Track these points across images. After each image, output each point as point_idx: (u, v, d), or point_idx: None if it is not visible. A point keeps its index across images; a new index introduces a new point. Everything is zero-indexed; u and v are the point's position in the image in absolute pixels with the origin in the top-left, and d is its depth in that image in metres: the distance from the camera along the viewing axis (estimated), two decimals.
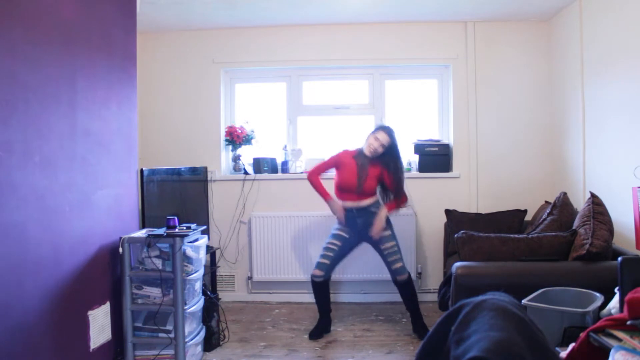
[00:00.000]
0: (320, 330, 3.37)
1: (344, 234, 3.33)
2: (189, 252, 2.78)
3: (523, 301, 2.16)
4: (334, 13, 3.85)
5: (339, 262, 3.40)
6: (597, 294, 2.19)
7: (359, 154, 3.29)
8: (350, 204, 3.29)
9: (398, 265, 3.25)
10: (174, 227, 2.79)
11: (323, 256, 3.32)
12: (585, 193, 3.36)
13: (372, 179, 3.25)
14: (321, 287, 3.35)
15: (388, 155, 3.24)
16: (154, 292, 2.73)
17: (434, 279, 4.10)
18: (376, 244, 3.30)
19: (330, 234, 3.37)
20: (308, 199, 4.10)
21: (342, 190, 3.30)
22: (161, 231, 2.75)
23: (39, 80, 2.21)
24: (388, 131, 3.24)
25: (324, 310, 3.40)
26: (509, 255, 2.61)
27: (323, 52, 4.15)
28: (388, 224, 3.30)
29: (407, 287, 3.28)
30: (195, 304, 2.85)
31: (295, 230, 4.05)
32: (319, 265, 3.32)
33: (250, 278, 4.15)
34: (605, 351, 1.57)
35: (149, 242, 2.68)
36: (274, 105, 4.36)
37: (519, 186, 4.07)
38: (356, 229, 3.31)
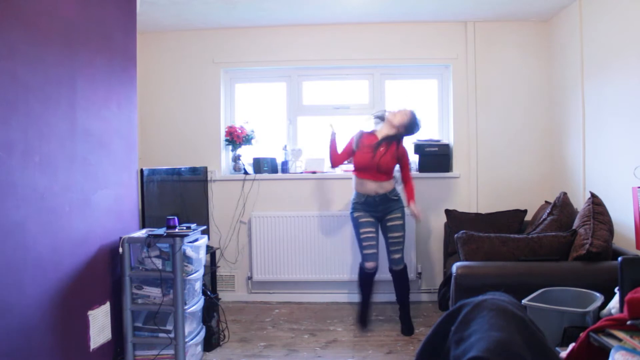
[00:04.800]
0: (368, 316, 3.44)
1: (372, 219, 3.35)
2: (189, 252, 2.78)
3: (523, 301, 2.16)
4: (334, 13, 3.85)
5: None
6: (597, 294, 2.19)
7: (371, 133, 3.44)
8: (371, 187, 3.32)
9: (397, 256, 3.36)
10: (174, 227, 2.79)
11: (369, 247, 3.31)
12: (585, 193, 3.36)
13: (387, 156, 3.33)
14: (372, 277, 3.39)
15: (403, 135, 3.41)
16: (154, 292, 2.73)
17: (434, 279, 4.09)
18: (385, 231, 3.37)
19: (356, 223, 3.35)
20: (308, 199, 4.11)
21: (360, 169, 3.36)
22: (161, 231, 2.75)
23: (39, 80, 2.21)
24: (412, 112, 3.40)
25: (370, 299, 3.46)
26: (509, 255, 2.61)
27: (323, 52, 4.15)
28: (402, 213, 3.39)
29: (400, 277, 3.40)
30: (195, 304, 2.85)
31: (295, 230, 4.05)
32: (370, 257, 3.31)
33: (250, 278, 4.15)
34: (605, 351, 1.57)
35: (149, 242, 2.69)
36: (274, 105, 4.36)
37: (519, 186, 4.07)
38: (377, 215, 3.37)
